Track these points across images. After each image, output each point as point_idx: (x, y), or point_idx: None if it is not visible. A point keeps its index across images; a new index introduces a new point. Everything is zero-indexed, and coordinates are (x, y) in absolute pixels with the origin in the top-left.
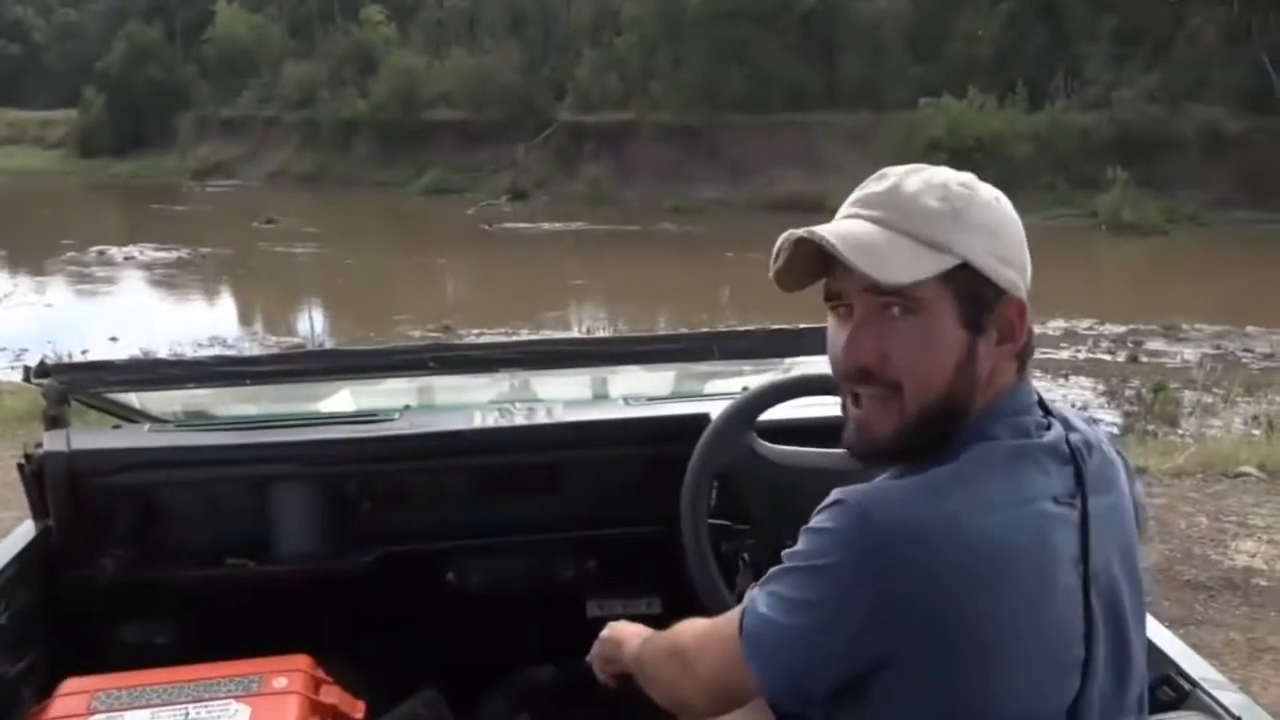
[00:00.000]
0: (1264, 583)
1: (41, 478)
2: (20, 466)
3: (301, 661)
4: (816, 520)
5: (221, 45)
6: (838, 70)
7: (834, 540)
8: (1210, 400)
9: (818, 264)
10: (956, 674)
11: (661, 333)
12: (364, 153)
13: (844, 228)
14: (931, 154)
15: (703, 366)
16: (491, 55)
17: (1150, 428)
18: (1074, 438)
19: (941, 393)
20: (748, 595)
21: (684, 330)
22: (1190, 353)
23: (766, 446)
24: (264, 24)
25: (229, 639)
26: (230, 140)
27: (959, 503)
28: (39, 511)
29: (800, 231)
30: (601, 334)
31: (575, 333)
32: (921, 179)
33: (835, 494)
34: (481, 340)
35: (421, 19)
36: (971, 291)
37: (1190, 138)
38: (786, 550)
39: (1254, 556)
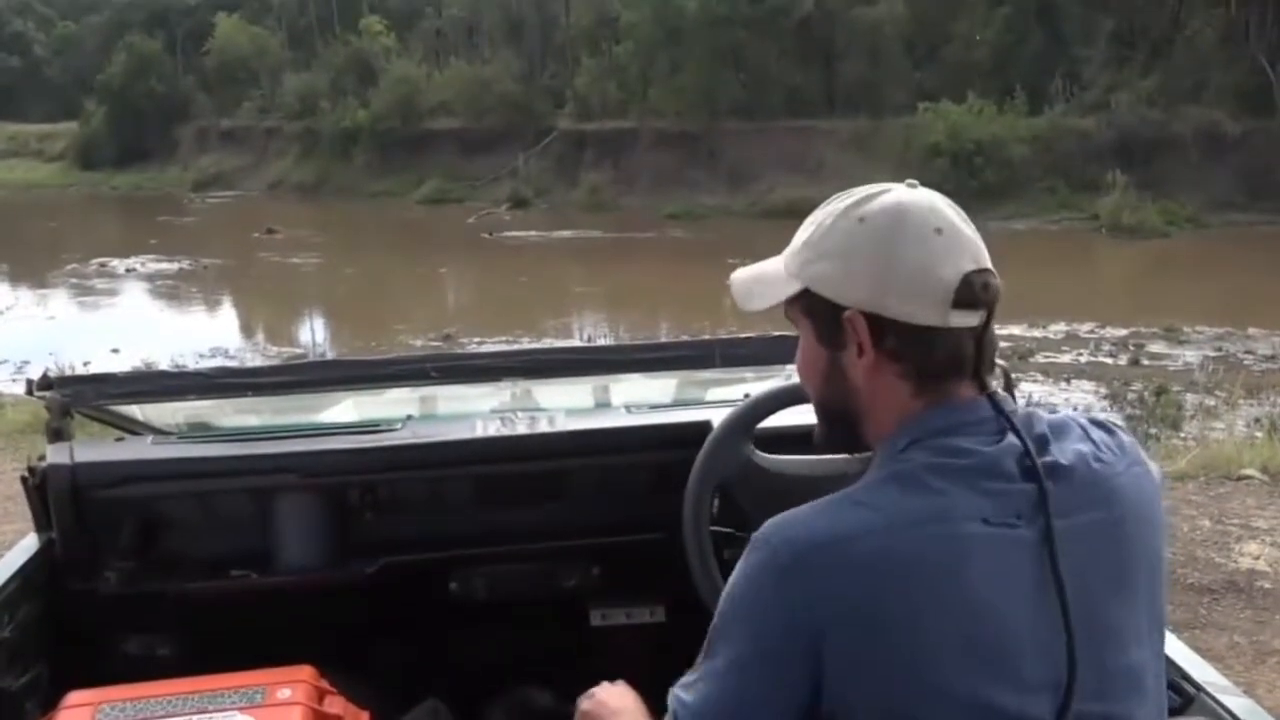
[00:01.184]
0: (1268, 585)
1: (45, 490)
2: (23, 479)
3: (305, 672)
4: (737, 570)
5: (221, 56)
6: (836, 75)
7: (744, 578)
8: (1212, 403)
9: None
10: (884, 694)
11: (663, 340)
12: (364, 162)
13: (757, 267)
14: (931, 158)
15: (705, 374)
16: (491, 64)
17: (1152, 431)
18: (1045, 460)
19: (819, 399)
20: (670, 695)
21: (685, 337)
22: (1192, 355)
23: (763, 456)
24: (264, 35)
25: (232, 650)
26: (231, 151)
27: (860, 521)
28: (42, 524)
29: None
30: (603, 341)
31: (576, 340)
32: (821, 213)
33: (755, 533)
34: (483, 349)
35: (421, 28)
36: (817, 312)
37: (1189, 140)
38: (716, 614)
39: (1258, 559)
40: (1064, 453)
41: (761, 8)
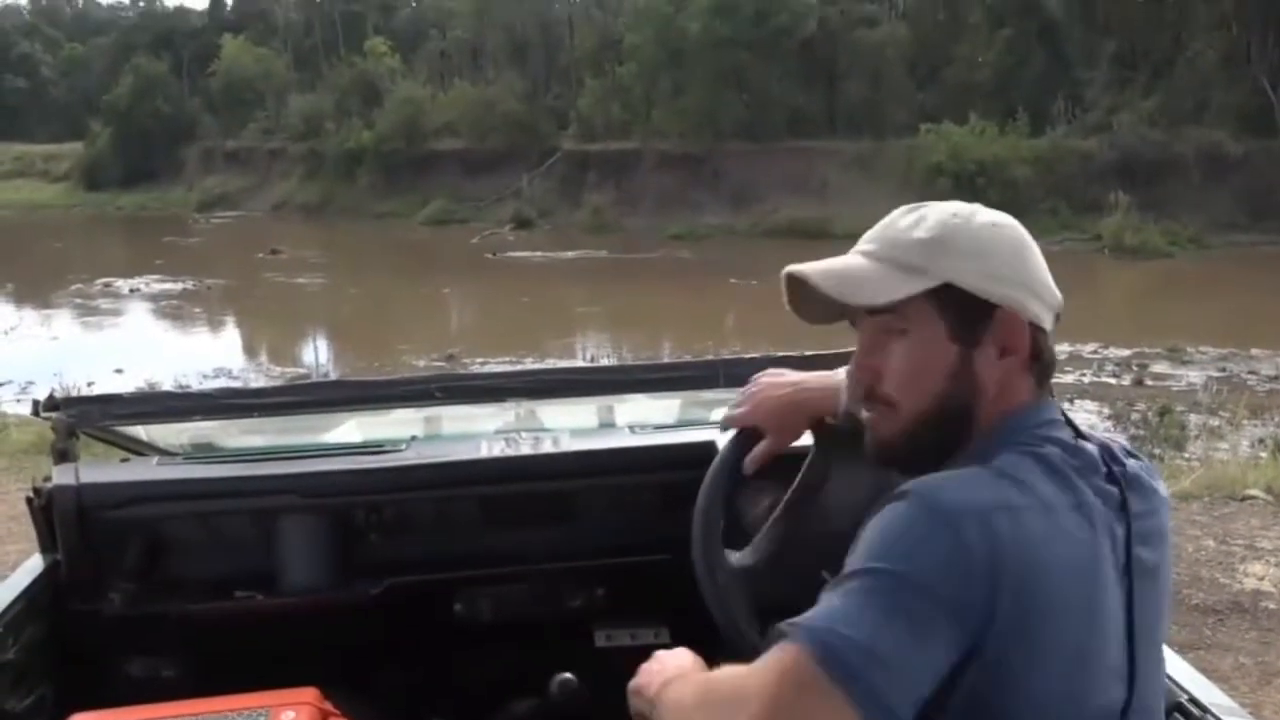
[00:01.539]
0: (1273, 606)
1: (50, 511)
2: (29, 500)
3: (309, 694)
4: (887, 515)
5: (227, 78)
6: (839, 97)
7: (913, 524)
8: (1216, 423)
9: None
10: (1032, 666)
11: (667, 360)
12: (368, 183)
13: (831, 262)
14: (933, 179)
15: (709, 394)
16: (495, 85)
17: (1156, 451)
18: (1116, 469)
19: (935, 401)
20: (802, 619)
21: (689, 358)
22: (1195, 375)
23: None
24: (269, 56)
25: (236, 672)
26: (235, 172)
27: (1015, 495)
28: (47, 545)
29: (790, 268)
30: (606, 361)
31: (580, 360)
32: (917, 215)
33: (900, 488)
34: (487, 369)
35: (425, 50)
36: (958, 308)
37: (1191, 161)
38: (853, 556)
39: (1262, 579)
40: (1127, 466)
41: (764, 29)
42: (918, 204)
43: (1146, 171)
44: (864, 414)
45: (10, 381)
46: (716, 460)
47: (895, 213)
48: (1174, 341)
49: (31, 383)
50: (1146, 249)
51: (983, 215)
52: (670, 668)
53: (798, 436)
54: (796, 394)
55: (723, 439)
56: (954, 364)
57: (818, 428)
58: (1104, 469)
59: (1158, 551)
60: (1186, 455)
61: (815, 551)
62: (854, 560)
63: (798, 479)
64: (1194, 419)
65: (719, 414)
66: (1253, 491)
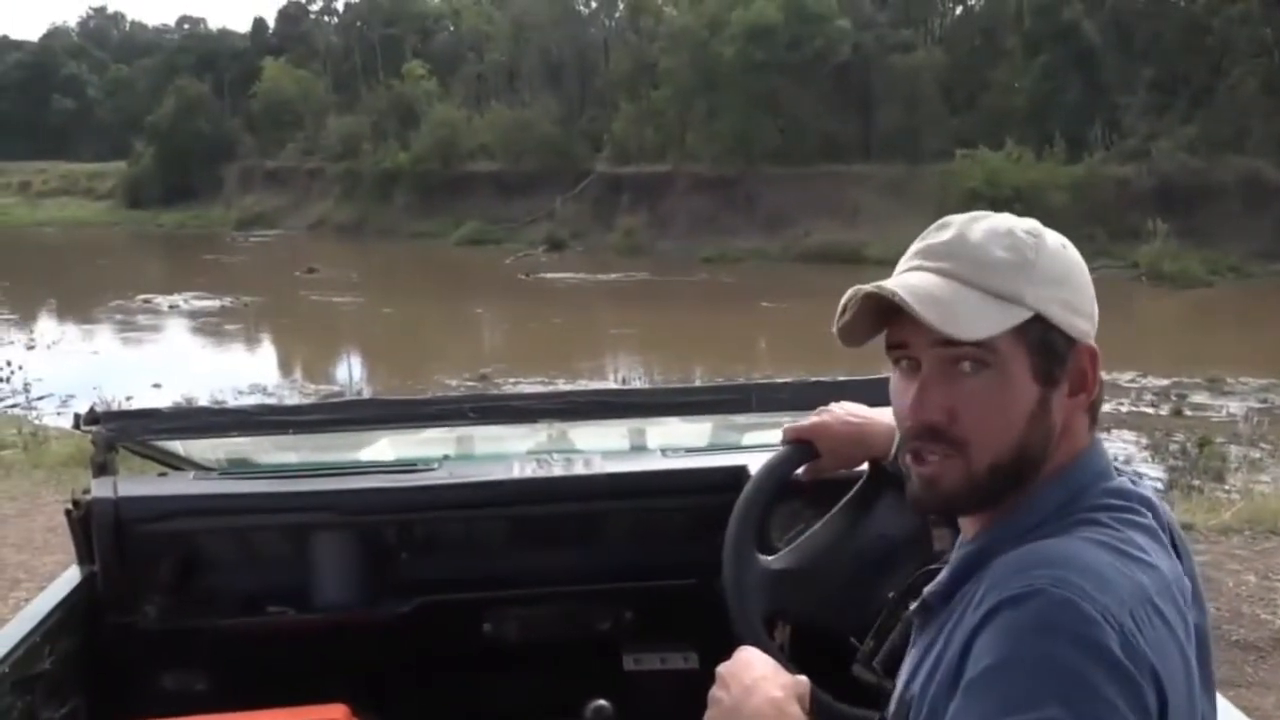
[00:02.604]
0: None
1: (88, 524)
2: (68, 512)
3: (338, 711)
4: (1016, 620)
5: (267, 99)
6: (873, 122)
7: (1053, 645)
8: (1257, 455)
9: (879, 317)
10: None
11: (699, 384)
12: (403, 203)
13: (911, 281)
14: (969, 205)
15: (741, 418)
16: (530, 108)
17: (1195, 483)
18: (1162, 517)
19: (1013, 448)
20: None
21: (721, 381)
22: (1236, 406)
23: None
24: (309, 79)
25: (267, 687)
26: (274, 191)
27: (1142, 574)
28: (84, 557)
29: (869, 286)
30: (637, 384)
31: (611, 382)
32: (986, 226)
33: (1023, 582)
34: (519, 390)
35: (462, 73)
36: (1044, 344)
37: (1231, 188)
38: (979, 672)
39: None
40: (1159, 505)
41: (799, 54)
42: (976, 214)
43: (1185, 199)
44: (911, 459)
45: (51, 394)
46: (768, 462)
47: (956, 220)
48: (1214, 371)
49: (72, 396)
50: (1185, 277)
51: (1050, 233)
52: (746, 670)
53: (850, 467)
54: (864, 428)
55: (755, 463)
56: (1034, 406)
57: (874, 465)
58: (1164, 521)
59: (1204, 616)
60: (1227, 487)
61: (841, 571)
62: (999, 701)
63: (844, 501)
64: (1234, 450)
65: (751, 438)
66: None
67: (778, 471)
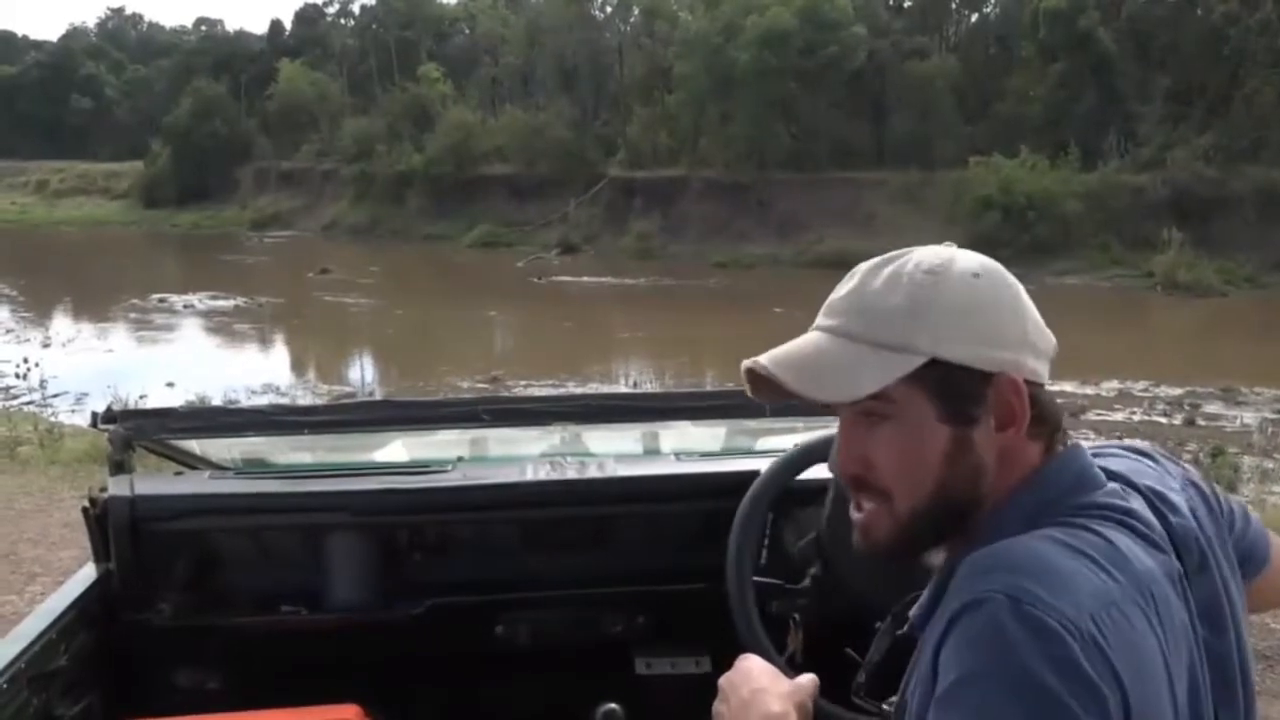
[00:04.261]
0: None
1: (104, 521)
2: (85, 510)
3: (350, 711)
4: (974, 630)
5: (283, 101)
6: (887, 128)
7: (1012, 653)
8: (1270, 466)
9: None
10: None
11: (713, 388)
12: (417, 206)
13: (793, 349)
14: (982, 212)
15: (754, 423)
16: (544, 112)
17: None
18: (1175, 521)
19: (932, 492)
20: None
21: (732, 386)
22: (1250, 417)
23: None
24: (325, 81)
25: (280, 686)
26: (288, 192)
27: (1102, 579)
28: (100, 555)
29: (748, 363)
30: (648, 387)
31: (621, 385)
32: (888, 272)
33: (980, 588)
34: (530, 392)
35: (477, 76)
36: (946, 384)
37: (1247, 198)
38: (946, 686)
39: None
40: (1175, 506)
41: (813, 60)
42: (889, 255)
43: (1201, 208)
44: (853, 509)
45: (66, 392)
46: (770, 468)
47: (862, 268)
48: (1228, 381)
49: (86, 394)
50: (1200, 287)
51: (961, 264)
52: (752, 680)
53: None
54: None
55: (766, 467)
56: (947, 447)
57: None
58: (1156, 525)
59: (1223, 636)
60: (1240, 498)
61: (843, 580)
62: (966, 715)
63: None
64: (1248, 461)
65: (764, 443)
66: None
67: (779, 478)
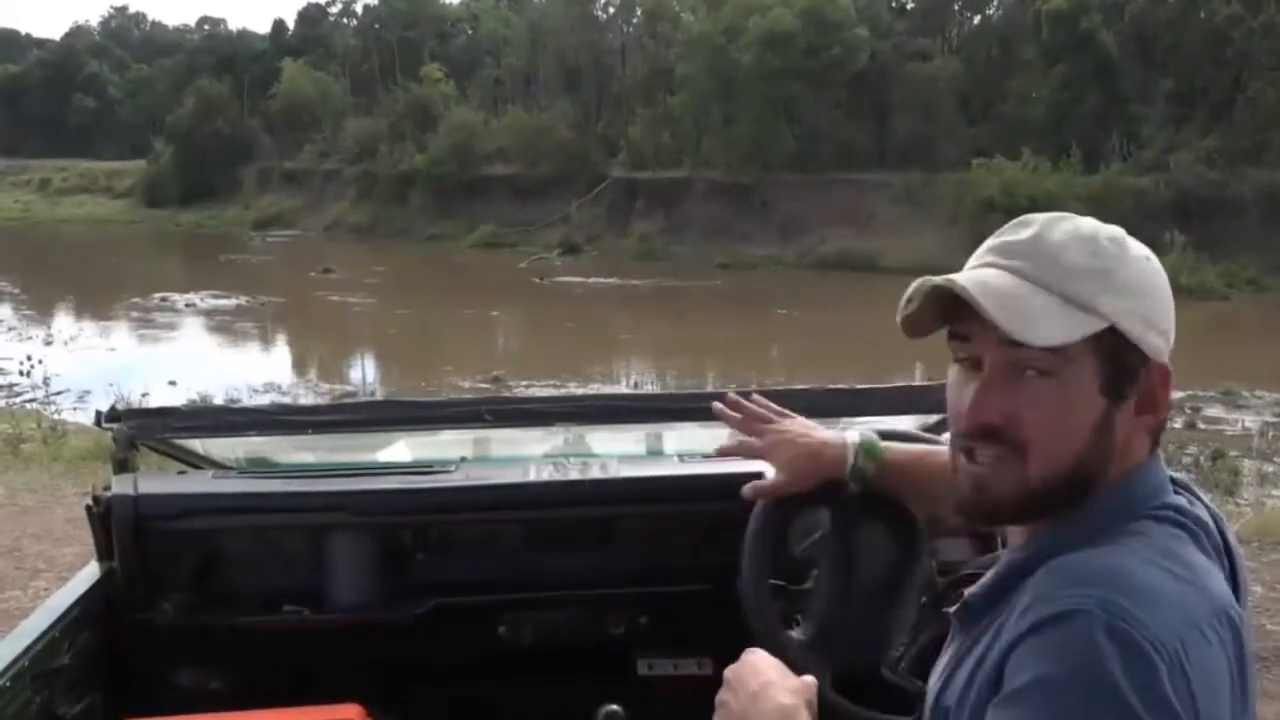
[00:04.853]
0: None
1: (108, 520)
2: (88, 508)
3: (352, 711)
4: (1062, 638)
5: (286, 100)
6: (889, 130)
7: (1105, 671)
8: (1271, 469)
9: (944, 311)
10: None
11: (717, 389)
12: (419, 206)
13: (984, 277)
14: (984, 214)
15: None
16: (547, 112)
17: (1247, 515)
18: (1227, 540)
19: (1072, 462)
20: None
21: (735, 387)
22: (1251, 420)
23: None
24: (327, 80)
25: (282, 686)
26: (291, 192)
27: (1191, 594)
28: (104, 553)
29: (938, 280)
30: (649, 388)
31: (623, 386)
32: (1068, 228)
33: (1071, 599)
34: (531, 392)
35: (480, 77)
36: (1117, 357)
37: (1249, 201)
38: (1023, 684)
39: None
40: (1225, 526)
41: (816, 61)
42: (1058, 214)
43: (1203, 211)
44: (964, 457)
45: (68, 390)
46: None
47: (1038, 219)
48: (1229, 385)
49: (88, 392)
50: (1202, 289)
51: (1133, 242)
52: (756, 673)
53: (806, 486)
54: (817, 446)
55: (769, 469)
56: (1098, 420)
57: (832, 487)
58: (1218, 538)
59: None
60: (1239, 501)
61: (859, 614)
62: (1044, 716)
63: (829, 543)
64: (1248, 464)
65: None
66: None
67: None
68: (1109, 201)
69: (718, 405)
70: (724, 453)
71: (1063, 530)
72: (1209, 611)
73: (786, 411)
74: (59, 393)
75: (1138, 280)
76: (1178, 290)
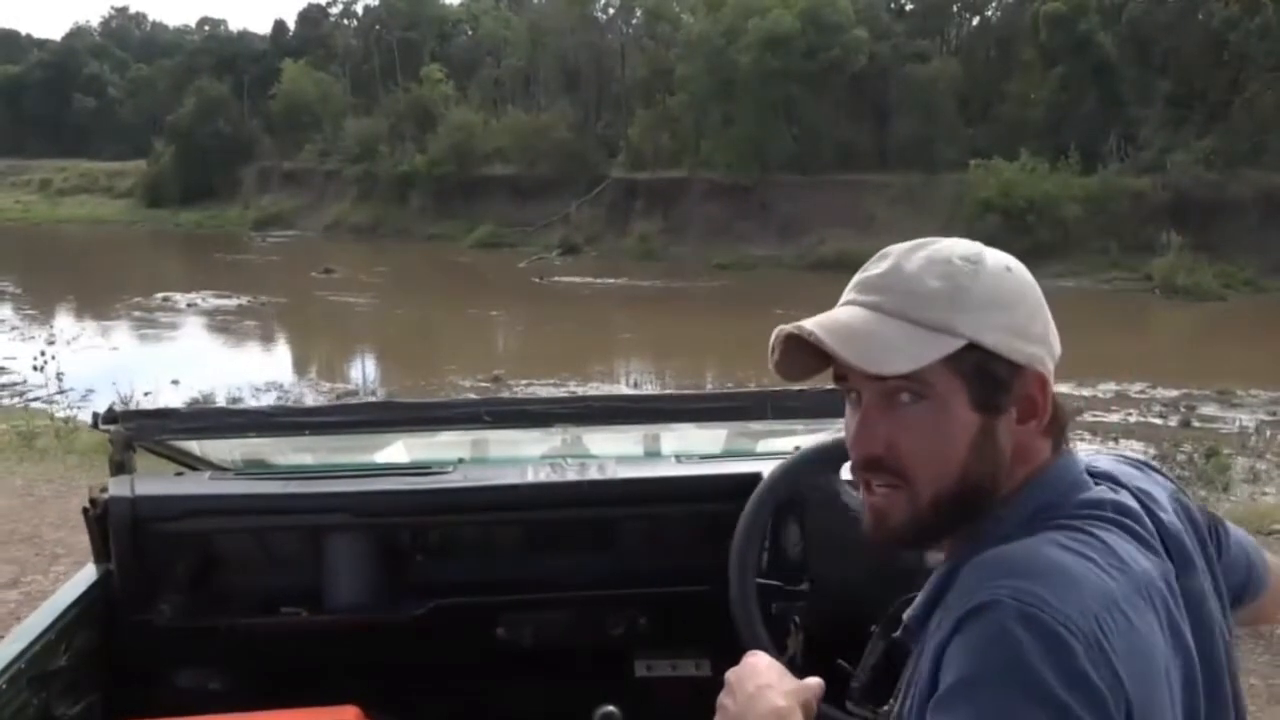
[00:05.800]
0: None
1: (105, 522)
2: (85, 510)
3: (350, 713)
4: (979, 633)
5: (286, 101)
6: (888, 130)
7: (1020, 657)
8: (1263, 467)
9: (817, 353)
10: None
11: (715, 390)
12: (419, 206)
13: (837, 318)
14: (983, 215)
15: (755, 425)
16: (546, 113)
17: (1201, 493)
18: (1163, 521)
19: (955, 479)
20: None
21: (732, 387)
22: (1246, 419)
23: (852, 495)
24: (328, 81)
25: (280, 687)
26: (291, 192)
27: (1105, 579)
28: (101, 555)
29: (789, 327)
30: (649, 388)
31: (623, 386)
32: (923, 256)
33: (985, 592)
34: (531, 391)
35: (480, 77)
36: (982, 372)
37: (1247, 202)
38: (947, 687)
39: None
40: (1164, 506)
41: (815, 63)
42: (919, 242)
43: (1200, 212)
44: (863, 489)
45: (71, 389)
46: (769, 477)
47: (896, 250)
48: (1224, 384)
49: (92, 391)
50: (1199, 290)
51: (992, 256)
52: (757, 675)
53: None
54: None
55: (767, 469)
56: (975, 435)
57: None
58: (1148, 523)
59: (1209, 614)
60: (1233, 498)
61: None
62: (968, 717)
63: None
64: (1241, 461)
65: (765, 445)
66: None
67: (784, 480)
68: (1106, 203)
69: None
70: None
71: (978, 537)
72: (1130, 589)
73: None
74: (62, 391)
75: (995, 293)
76: (1173, 291)
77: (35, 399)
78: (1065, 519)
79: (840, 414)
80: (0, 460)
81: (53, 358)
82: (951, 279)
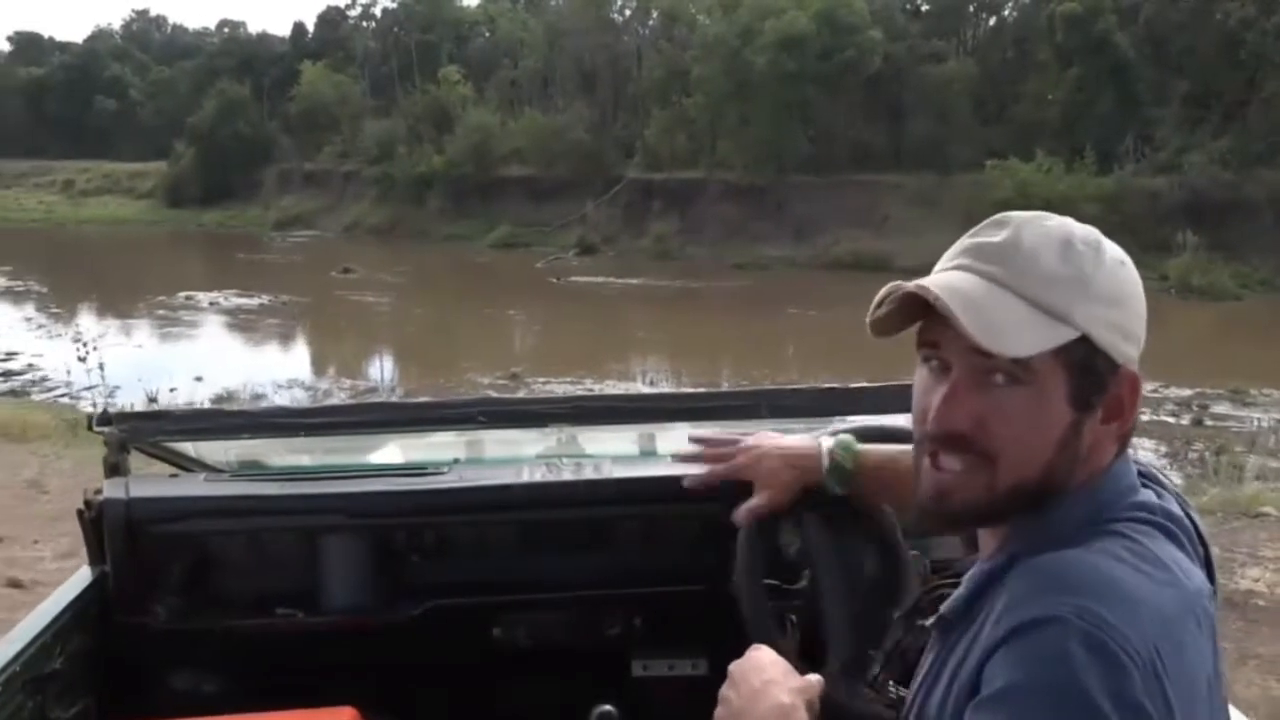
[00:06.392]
0: (1262, 603)
1: (100, 524)
2: (80, 512)
3: (346, 714)
4: (1037, 646)
5: (306, 102)
6: (903, 131)
7: (1082, 675)
8: (1275, 464)
9: (914, 313)
10: None
11: (709, 389)
12: (437, 207)
13: (954, 282)
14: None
15: (753, 425)
16: (563, 114)
17: (1213, 491)
18: (1197, 519)
19: (1039, 470)
20: None
21: (741, 385)
22: (1259, 417)
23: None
24: (346, 83)
25: (276, 689)
26: (310, 193)
27: (1162, 592)
28: (96, 557)
29: (910, 285)
30: (664, 386)
31: (638, 384)
32: (1042, 231)
33: (1045, 606)
34: (548, 389)
35: (497, 79)
36: (1086, 368)
37: (1263, 203)
38: (996, 690)
39: (1257, 582)
40: (1194, 518)
41: (831, 64)
42: (1035, 213)
43: (1216, 212)
44: (928, 461)
45: (96, 385)
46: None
47: (1014, 219)
48: (1238, 383)
49: (118, 387)
50: (1214, 290)
51: (1109, 245)
52: (760, 669)
53: (791, 495)
54: (794, 454)
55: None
56: (1066, 430)
57: (813, 491)
58: (1192, 530)
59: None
60: (1241, 494)
61: (850, 621)
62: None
63: (812, 554)
64: (1253, 460)
65: None
66: (1266, 509)
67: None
68: (1122, 203)
69: (691, 447)
70: (709, 484)
71: (1032, 536)
72: (1185, 609)
73: (749, 431)
74: (87, 388)
75: (1112, 287)
76: (1189, 290)
77: (63, 395)
78: (1118, 522)
79: (838, 414)
80: (50, 446)
81: (95, 348)
82: (1074, 264)
